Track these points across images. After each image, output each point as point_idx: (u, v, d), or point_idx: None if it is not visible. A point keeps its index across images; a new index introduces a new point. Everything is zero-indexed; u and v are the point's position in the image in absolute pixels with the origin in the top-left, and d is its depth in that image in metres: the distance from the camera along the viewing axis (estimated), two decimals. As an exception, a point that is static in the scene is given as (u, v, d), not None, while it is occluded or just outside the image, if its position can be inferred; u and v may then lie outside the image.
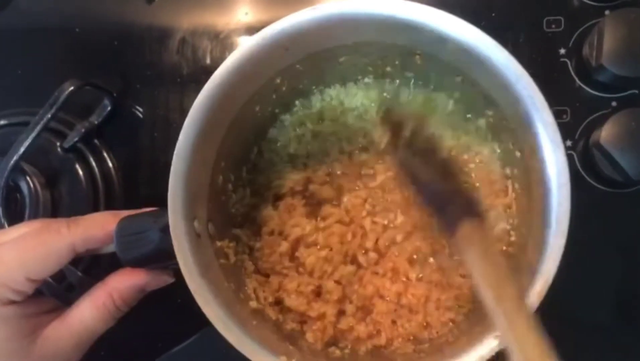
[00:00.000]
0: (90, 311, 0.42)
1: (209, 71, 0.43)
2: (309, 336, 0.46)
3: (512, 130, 0.41)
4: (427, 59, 0.43)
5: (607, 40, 0.47)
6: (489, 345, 0.37)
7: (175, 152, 0.39)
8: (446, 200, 0.36)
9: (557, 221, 0.36)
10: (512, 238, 0.45)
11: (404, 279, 0.47)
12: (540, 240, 0.37)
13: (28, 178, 0.54)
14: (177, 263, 0.39)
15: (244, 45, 0.40)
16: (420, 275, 0.47)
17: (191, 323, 0.54)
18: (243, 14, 0.57)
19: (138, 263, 0.42)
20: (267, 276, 0.48)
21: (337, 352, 0.45)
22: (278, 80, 0.45)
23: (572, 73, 0.52)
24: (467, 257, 0.34)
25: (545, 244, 0.37)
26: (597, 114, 0.51)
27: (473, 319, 0.44)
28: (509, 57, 0.37)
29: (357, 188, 0.49)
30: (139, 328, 0.56)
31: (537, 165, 0.38)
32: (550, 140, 0.37)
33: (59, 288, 0.50)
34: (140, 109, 0.58)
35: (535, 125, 0.37)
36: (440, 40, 0.39)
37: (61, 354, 0.42)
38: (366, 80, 0.50)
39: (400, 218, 0.48)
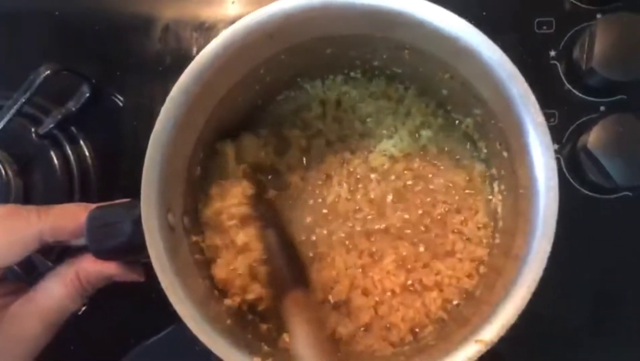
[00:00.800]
0: (59, 288, 0.41)
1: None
2: (286, 336, 0.45)
3: (501, 130, 0.40)
4: (416, 54, 0.42)
5: (599, 44, 0.46)
6: (469, 350, 0.35)
7: (150, 140, 0.38)
8: (283, 268, 0.40)
9: (544, 224, 0.35)
10: (497, 241, 0.44)
11: (385, 280, 0.46)
12: (525, 244, 0.36)
13: (0, 164, 0.52)
14: (149, 257, 0.38)
15: (227, 31, 0.38)
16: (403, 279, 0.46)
17: (165, 317, 0.52)
18: (230, 3, 0.56)
19: (109, 255, 0.41)
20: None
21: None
22: (262, 71, 0.43)
23: (562, 76, 0.51)
24: (293, 320, 0.38)
25: (531, 248, 0.36)
26: (585, 118, 0.50)
27: (454, 324, 0.43)
28: (501, 55, 0.36)
29: (339, 184, 0.48)
30: (110, 322, 0.54)
31: (525, 166, 0.37)
32: (540, 141, 0.36)
33: (28, 279, 0.48)
34: (120, 97, 0.57)
35: (525, 125, 0.36)
36: (430, 34, 0.38)
37: (29, 333, 0.40)
38: (352, 74, 0.48)
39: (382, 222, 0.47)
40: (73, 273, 0.41)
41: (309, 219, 0.48)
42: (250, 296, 0.41)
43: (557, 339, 0.51)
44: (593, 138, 0.46)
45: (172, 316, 0.52)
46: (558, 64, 0.51)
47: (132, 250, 0.40)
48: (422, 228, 0.47)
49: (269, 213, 0.42)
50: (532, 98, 0.35)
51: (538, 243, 0.35)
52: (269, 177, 0.47)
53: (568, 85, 0.51)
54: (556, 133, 0.50)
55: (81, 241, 0.43)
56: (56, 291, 0.41)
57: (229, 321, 0.40)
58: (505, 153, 0.41)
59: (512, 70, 0.36)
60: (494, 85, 0.37)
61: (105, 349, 0.55)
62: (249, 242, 0.41)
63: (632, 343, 0.51)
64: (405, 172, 0.48)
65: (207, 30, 0.56)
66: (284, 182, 0.48)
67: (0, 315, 0.40)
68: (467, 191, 0.47)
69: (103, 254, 0.41)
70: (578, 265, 0.50)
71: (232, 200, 0.42)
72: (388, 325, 0.45)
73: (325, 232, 0.47)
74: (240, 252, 0.41)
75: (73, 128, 0.56)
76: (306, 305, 0.38)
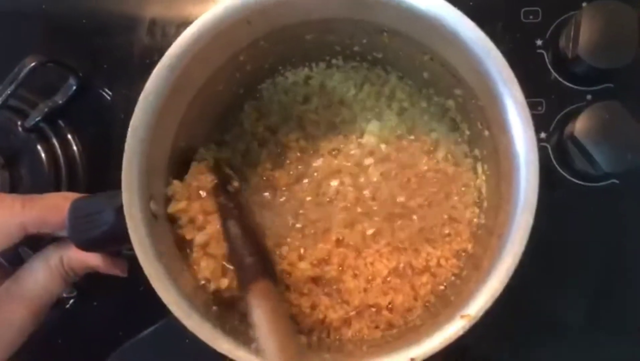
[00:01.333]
0: (43, 273, 0.41)
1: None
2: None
3: (481, 108, 0.40)
4: (395, 37, 0.41)
5: (584, 32, 0.46)
6: (455, 327, 0.35)
7: (130, 126, 0.38)
8: (246, 258, 0.39)
9: (525, 198, 0.35)
10: (482, 221, 0.44)
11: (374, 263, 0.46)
12: (507, 219, 0.36)
13: (-15, 158, 0.52)
14: (132, 248, 0.38)
15: (204, 17, 0.38)
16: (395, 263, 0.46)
17: (154, 311, 0.53)
18: (214, -2, 0.56)
19: (91, 246, 0.41)
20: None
21: (303, 339, 0.44)
22: (242, 58, 0.43)
23: (548, 65, 0.51)
24: (257, 310, 0.37)
25: (513, 222, 0.36)
26: (572, 107, 0.50)
27: (441, 305, 0.43)
28: (478, 31, 0.36)
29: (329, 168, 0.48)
30: (99, 315, 0.54)
31: (506, 142, 0.37)
32: (519, 116, 0.35)
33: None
34: (108, 91, 0.57)
35: (504, 101, 0.36)
36: (406, 14, 0.37)
37: (15, 317, 0.40)
38: (334, 61, 0.48)
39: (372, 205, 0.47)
40: (57, 258, 0.41)
41: (300, 204, 0.48)
42: (223, 286, 0.41)
43: (547, 331, 0.51)
44: (580, 126, 0.46)
45: (162, 309, 0.53)
46: (545, 53, 0.51)
47: (115, 240, 0.40)
48: (411, 211, 0.47)
49: (230, 205, 0.41)
50: (510, 74, 0.35)
51: (520, 216, 0.35)
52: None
53: (555, 74, 0.51)
54: (543, 122, 0.50)
55: (64, 233, 0.43)
56: (41, 275, 0.41)
57: (215, 308, 0.40)
58: (486, 132, 0.41)
59: (489, 47, 0.36)
60: (472, 63, 0.37)
61: (94, 343, 0.55)
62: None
63: (625, 333, 0.51)
64: (392, 156, 0.48)
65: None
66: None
67: None
68: (453, 173, 0.47)
69: (85, 245, 0.40)
70: (566, 254, 0.50)
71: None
72: (378, 309, 0.45)
73: (315, 216, 0.47)
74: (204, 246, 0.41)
75: (60, 122, 0.56)
76: (270, 295, 0.38)
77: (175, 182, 0.41)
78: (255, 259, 0.38)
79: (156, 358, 0.53)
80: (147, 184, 0.38)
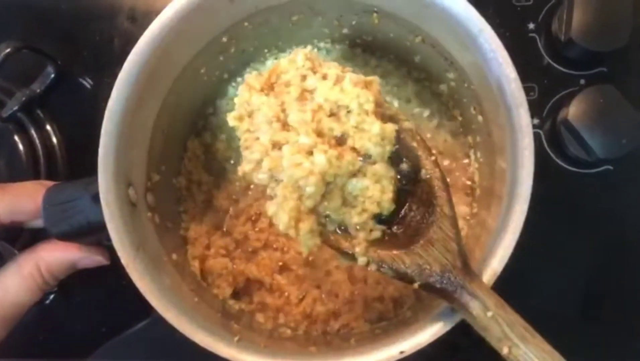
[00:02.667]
0: (16, 282, 0.38)
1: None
2: (259, 317, 0.43)
3: (474, 92, 0.38)
4: (385, 17, 0.40)
5: (577, 15, 0.45)
6: (446, 318, 0.34)
7: (107, 108, 0.36)
8: None
9: (520, 184, 0.33)
10: (474, 210, 0.43)
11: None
12: (501, 207, 0.35)
13: (-40, 149, 0.50)
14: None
15: (183, -6, 0.36)
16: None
17: (138, 306, 0.51)
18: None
19: (68, 236, 0.39)
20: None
21: (288, 332, 0.42)
22: (225, 39, 0.41)
23: (541, 49, 0.50)
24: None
25: (508, 210, 0.34)
26: (565, 92, 0.49)
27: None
28: (469, 7, 0.34)
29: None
30: (80, 311, 0.52)
31: (500, 127, 0.35)
32: (513, 97, 0.34)
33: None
34: (89, 80, 0.55)
35: (497, 81, 0.34)
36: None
37: None
38: (322, 44, 0.47)
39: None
40: (32, 264, 0.39)
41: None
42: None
43: (543, 320, 0.50)
44: (573, 110, 0.45)
45: (146, 304, 0.51)
46: (537, 37, 0.50)
47: (92, 229, 0.38)
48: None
49: None
50: (504, 53, 0.34)
51: (515, 204, 0.33)
52: None
53: (547, 59, 0.50)
54: (536, 107, 0.49)
55: (39, 223, 0.41)
56: (11, 285, 0.39)
57: (196, 300, 0.39)
58: (480, 118, 0.39)
59: (482, 24, 0.34)
60: (464, 42, 0.35)
61: (77, 339, 0.53)
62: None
63: (620, 323, 0.49)
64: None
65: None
66: None
67: None
68: (447, 163, 0.46)
69: (62, 235, 0.38)
70: (559, 243, 0.49)
71: None
72: (368, 301, 0.44)
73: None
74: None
75: (38, 111, 0.54)
76: None
77: None
78: None
79: (143, 355, 0.51)
80: (125, 171, 0.37)
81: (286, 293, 0.44)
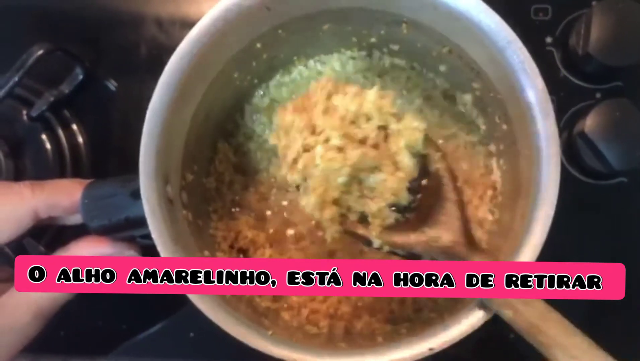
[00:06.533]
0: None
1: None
2: (284, 315, 0.44)
3: (500, 102, 0.40)
4: (414, 28, 0.42)
5: (595, 30, 0.47)
6: (472, 318, 0.35)
7: (148, 110, 0.37)
8: None
9: (547, 191, 0.35)
10: (496, 216, 0.44)
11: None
12: (527, 213, 0.36)
13: (-10, 146, 0.51)
14: (146, 235, 0.37)
15: (224, 1, 0.38)
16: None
17: (159, 306, 0.52)
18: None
19: (106, 230, 0.40)
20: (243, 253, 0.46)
21: (315, 330, 0.43)
22: (259, 45, 0.43)
23: (558, 62, 0.52)
24: None
25: (532, 216, 0.35)
26: (581, 105, 0.51)
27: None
28: (500, 21, 0.36)
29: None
30: (102, 309, 0.53)
31: (526, 135, 0.37)
32: (541, 108, 0.36)
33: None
34: (113, 82, 0.56)
35: (525, 92, 0.36)
36: (427, 5, 0.38)
37: (19, 323, 0.39)
38: (349, 52, 0.48)
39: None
40: None
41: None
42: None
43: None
44: (590, 122, 0.46)
45: (167, 308, 0.52)
46: (554, 51, 0.52)
47: (130, 224, 0.39)
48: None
49: None
50: (532, 64, 0.36)
51: (540, 210, 0.35)
52: None
53: (564, 72, 0.51)
54: None
55: (76, 218, 0.42)
56: None
57: (228, 297, 0.40)
58: (504, 126, 0.41)
59: (511, 36, 0.36)
60: (493, 53, 0.37)
61: (97, 337, 0.54)
62: None
63: (631, 331, 0.50)
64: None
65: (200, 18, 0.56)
66: None
67: None
68: (466, 171, 0.47)
69: (100, 230, 0.40)
70: (574, 253, 0.50)
71: None
72: (389, 303, 0.45)
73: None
74: None
75: (65, 112, 0.55)
76: None
77: None
78: None
79: (161, 355, 0.53)
80: (164, 169, 0.38)
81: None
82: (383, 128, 0.34)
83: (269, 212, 0.48)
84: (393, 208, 0.35)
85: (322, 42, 0.47)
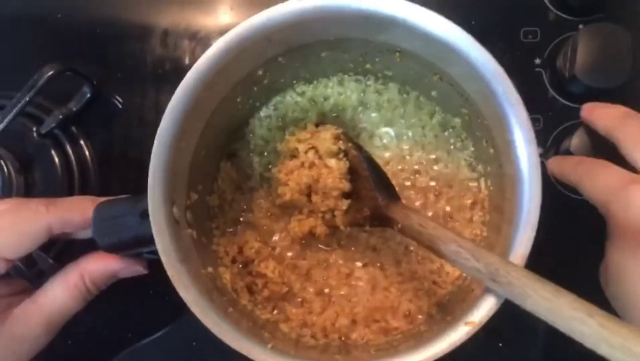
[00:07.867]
0: (62, 291, 0.42)
1: (191, 66, 0.42)
2: (283, 327, 0.47)
3: (487, 127, 0.42)
4: (407, 57, 0.44)
5: (581, 53, 0.49)
6: (460, 332, 0.38)
7: (156, 136, 0.39)
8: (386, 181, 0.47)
9: (528, 213, 0.37)
10: (485, 234, 0.47)
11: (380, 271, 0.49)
12: (510, 234, 0.39)
13: (2, 162, 0.53)
14: (152, 251, 0.40)
15: (229, 34, 0.40)
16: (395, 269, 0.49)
17: (163, 314, 0.54)
18: (228, 10, 0.58)
19: (115, 248, 0.42)
20: (245, 266, 0.49)
21: (312, 341, 0.46)
22: (260, 72, 0.45)
23: (546, 83, 0.54)
24: (409, 220, 0.42)
25: (515, 237, 0.38)
26: (568, 124, 0.53)
27: (445, 309, 0.45)
28: (487, 55, 0.38)
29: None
30: (108, 317, 0.55)
31: (510, 161, 0.39)
32: (524, 136, 0.38)
33: (29, 274, 0.49)
34: (120, 99, 0.58)
35: (509, 121, 0.38)
36: (421, 37, 0.40)
37: (31, 334, 0.41)
38: (346, 77, 0.51)
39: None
40: (77, 276, 0.42)
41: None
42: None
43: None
44: (575, 141, 0.48)
45: (171, 316, 0.54)
46: (543, 72, 0.54)
47: (138, 243, 0.41)
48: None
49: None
50: (516, 95, 0.38)
51: (522, 232, 0.37)
52: None
53: (552, 92, 0.54)
54: (540, 137, 0.52)
55: (87, 234, 0.44)
56: (59, 294, 0.42)
57: (230, 310, 0.42)
58: (491, 150, 0.43)
59: (497, 69, 0.38)
60: (480, 84, 0.39)
61: (103, 344, 0.56)
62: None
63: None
64: (402, 169, 0.51)
65: (204, 36, 0.58)
66: None
67: (4, 316, 0.41)
68: (456, 189, 0.49)
69: (110, 247, 0.42)
70: (561, 270, 0.51)
71: None
72: (382, 315, 0.48)
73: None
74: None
75: (73, 128, 0.57)
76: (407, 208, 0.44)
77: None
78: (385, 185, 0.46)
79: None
80: (171, 191, 0.40)
81: (308, 305, 0.48)
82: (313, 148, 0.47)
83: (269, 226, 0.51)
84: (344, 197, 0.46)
85: (321, 68, 0.49)
